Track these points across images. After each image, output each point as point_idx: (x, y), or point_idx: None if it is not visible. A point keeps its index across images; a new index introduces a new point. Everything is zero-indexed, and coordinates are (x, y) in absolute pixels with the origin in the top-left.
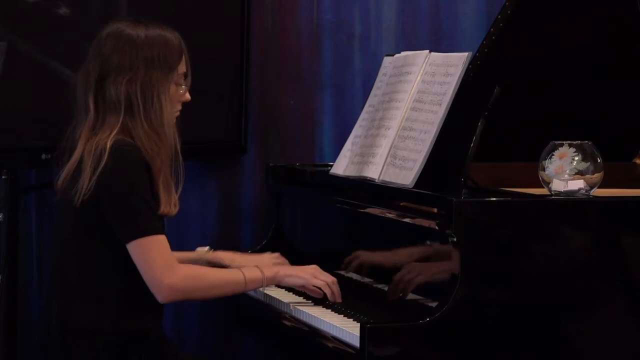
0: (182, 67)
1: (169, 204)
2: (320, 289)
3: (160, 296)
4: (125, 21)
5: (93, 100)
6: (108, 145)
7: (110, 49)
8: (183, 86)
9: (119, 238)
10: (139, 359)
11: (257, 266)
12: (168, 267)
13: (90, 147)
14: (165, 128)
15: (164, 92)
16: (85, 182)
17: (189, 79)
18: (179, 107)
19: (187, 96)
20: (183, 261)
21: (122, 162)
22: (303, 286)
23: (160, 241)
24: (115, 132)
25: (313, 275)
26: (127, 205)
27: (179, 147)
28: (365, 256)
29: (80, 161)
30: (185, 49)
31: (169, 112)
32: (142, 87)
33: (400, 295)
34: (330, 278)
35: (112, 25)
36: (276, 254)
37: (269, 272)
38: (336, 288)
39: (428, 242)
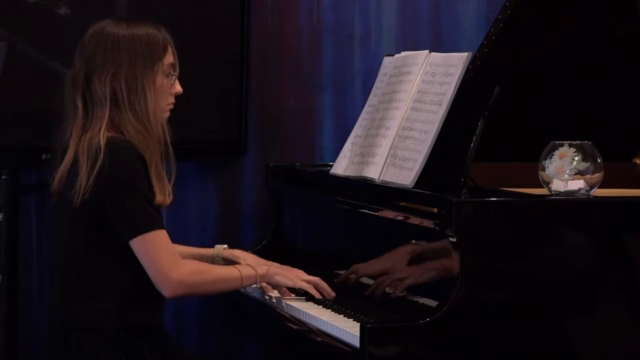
0: (168, 59)
1: (164, 194)
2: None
3: (168, 291)
4: (109, 20)
5: (81, 99)
6: (102, 143)
7: (93, 47)
8: (173, 76)
9: (121, 236)
10: (141, 355)
11: (248, 264)
12: (174, 262)
13: (84, 145)
14: (152, 119)
15: (149, 84)
16: (83, 181)
17: (178, 69)
18: (172, 100)
19: (178, 87)
20: (199, 256)
21: (119, 159)
22: (290, 286)
23: (163, 236)
24: (104, 126)
25: (299, 277)
26: (127, 202)
27: (168, 139)
28: (362, 268)
29: (75, 161)
30: (171, 40)
31: (155, 103)
32: (126, 80)
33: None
34: (315, 278)
35: (96, 25)
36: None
37: (260, 270)
38: (324, 285)
39: (413, 241)
